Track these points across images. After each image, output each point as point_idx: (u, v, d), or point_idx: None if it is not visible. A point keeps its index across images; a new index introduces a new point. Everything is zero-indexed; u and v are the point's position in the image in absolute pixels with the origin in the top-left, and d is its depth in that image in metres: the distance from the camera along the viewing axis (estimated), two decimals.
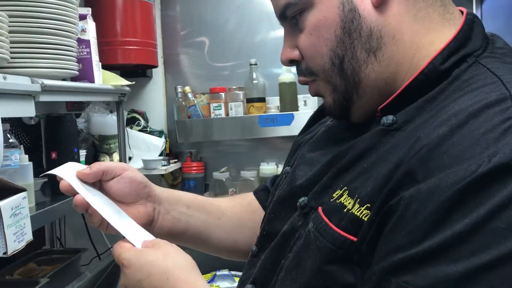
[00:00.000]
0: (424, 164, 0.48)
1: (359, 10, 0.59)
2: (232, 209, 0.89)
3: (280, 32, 2.25)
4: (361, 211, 0.53)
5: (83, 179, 0.71)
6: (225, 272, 1.91)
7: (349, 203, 0.55)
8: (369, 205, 0.52)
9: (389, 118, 0.57)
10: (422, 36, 0.59)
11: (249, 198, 0.93)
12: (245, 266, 0.75)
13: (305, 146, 0.75)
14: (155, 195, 0.78)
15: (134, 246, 0.64)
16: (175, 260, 0.62)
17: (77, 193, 0.68)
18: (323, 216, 0.58)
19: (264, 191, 0.92)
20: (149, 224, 0.77)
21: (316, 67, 0.63)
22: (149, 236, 0.68)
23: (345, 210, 0.55)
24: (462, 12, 0.63)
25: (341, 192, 0.57)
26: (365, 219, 0.52)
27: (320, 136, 0.74)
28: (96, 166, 0.72)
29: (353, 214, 0.54)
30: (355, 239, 0.53)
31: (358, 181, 0.56)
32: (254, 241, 0.87)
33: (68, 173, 0.70)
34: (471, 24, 0.60)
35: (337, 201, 0.57)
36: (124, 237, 0.65)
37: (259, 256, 0.71)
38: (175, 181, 2.31)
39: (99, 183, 0.73)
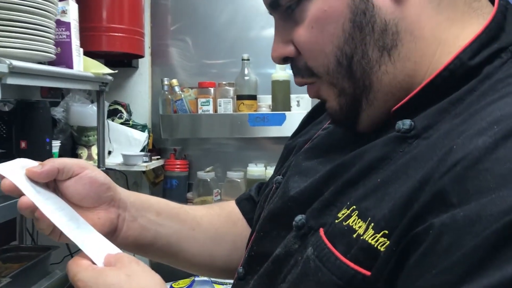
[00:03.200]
0: (459, 184, 0.38)
1: None
2: (210, 219, 0.78)
3: None
4: (376, 238, 0.42)
5: (33, 179, 0.59)
6: (205, 278, 1.80)
7: (359, 227, 0.44)
8: (386, 231, 0.42)
9: (406, 122, 0.47)
10: (445, 30, 0.49)
11: (230, 207, 0.82)
12: None
13: (300, 153, 0.64)
14: (119, 199, 0.66)
15: (93, 262, 0.53)
16: (140, 282, 0.51)
17: (23, 194, 0.57)
18: (326, 241, 0.47)
19: (248, 200, 0.82)
20: (111, 233, 0.65)
21: (318, 68, 0.53)
22: (113, 248, 0.56)
23: (354, 236, 0.44)
24: None
25: (348, 212, 0.46)
26: (382, 249, 0.42)
27: (319, 142, 0.64)
28: (50, 163, 0.60)
29: (366, 242, 0.43)
30: (368, 273, 0.43)
31: (370, 200, 0.45)
32: (232, 256, 0.76)
33: (14, 170, 0.58)
34: (505, 12, 0.50)
35: (344, 223, 0.46)
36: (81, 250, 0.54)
37: (246, 280, 0.61)
38: (156, 179, 2.20)
39: (53, 184, 0.62)
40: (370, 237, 0.43)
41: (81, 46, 1.50)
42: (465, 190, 0.37)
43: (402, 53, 0.49)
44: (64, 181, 0.61)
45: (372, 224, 0.43)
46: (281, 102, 2.05)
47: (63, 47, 1.42)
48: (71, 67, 1.43)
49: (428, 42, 0.49)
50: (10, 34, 1.10)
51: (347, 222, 0.46)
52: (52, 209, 0.57)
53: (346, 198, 0.49)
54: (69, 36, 1.44)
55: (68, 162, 0.62)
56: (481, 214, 0.36)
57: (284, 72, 2.04)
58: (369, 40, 0.49)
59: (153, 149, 2.19)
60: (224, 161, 2.23)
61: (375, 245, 0.42)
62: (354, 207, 0.46)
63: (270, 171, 2.08)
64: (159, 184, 2.23)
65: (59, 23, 1.39)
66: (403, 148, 0.47)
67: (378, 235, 0.42)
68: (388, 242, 0.41)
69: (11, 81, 1.05)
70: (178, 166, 2.16)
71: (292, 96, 2.09)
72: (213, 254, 0.76)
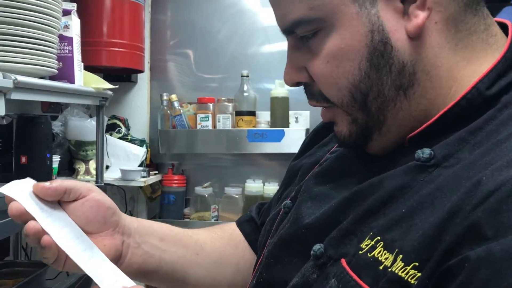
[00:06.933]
0: (494, 216, 0.38)
1: (392, 41, 0.48)
2: (212, 243, 0.76)
3: (275, 46, 2.18)
4: (406, 270, 0.42)
5: (40, 195, 0.57)
6: None
7: (385, 258, 0.44)
8: (417, 263, 0.41)
9: (426, 151, 0.47)
10: (461, 68, 0.50)
11: (231, 229, 0.81)
12: None
13: (311, 178, 0.63)
14: (124, 225, 0.65)
15: None
16: None
17: (31, 218, 0.54)
18: (351, 273, 0.46)
19: (249, 222, 0.81)
20: (115, 261, 0.63)
21: (332, 98, 0.53)
22: (127, 281, 0.55)
23: (381, 268, 0.44)
24: (502, 26, 0.54)
25: (372, 243, 0.46)
26: (413, 282, 0.41)
27: (329, 166, 0.62)
28: (58, 181, 0.59)
29: (395, 274, 0.42)
30: None
31: (395, 231, 0.45)
32: (236, 279, 0.75)
33: (21, 191, 0.56)
34: None
35: (369, 255, 0.45)
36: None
37: None
38: (153, 194, 2.19)
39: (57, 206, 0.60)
40: (399, 270, 0.42)
41: (81, 61, 1.50)
42: (500, 222, 0.37)
43: (417, 92, 0.50)
44: (71, 203, 0.60)
45: (401, 256, 0.42)
46: (280, 118, 2.05)
47: (65, 62, 1.42)
48: (72, 82, 1.42)
49: (444, 80, 0.49)
50: (14, 49, 1.10)
51: (372, 253, 0.45)
52: (64, 236, 0.55)
53: (366, 228, 0.48)
54: (71, 51, 1.43)
55: (76, 183, 0.61)
56: None
57: (283, 89, 2.05)
58: (386, 80, 0.49)
59: (150, 164, 2.18)
60: (222, 177, 2.22)
61: (406, 278, 0.41)
62: (379, 238, 0.45)
63: (268, 187, 2.07)
64: (156, 199, 2.21)
65: (61, 38, 1.39)
66: (423, 177, 0.46)
67: (408, 267, 0.41)
68: (419, 275, 0.41)
69: (15, 96, 1.04)
70: (176, 181, 2.15)
71: (291, 113, 2.09)
72: (217, 279, 0.75)
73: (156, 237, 0.70)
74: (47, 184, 0.57)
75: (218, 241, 0.77)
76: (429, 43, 0.49)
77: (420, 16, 0.47)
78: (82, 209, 0.60)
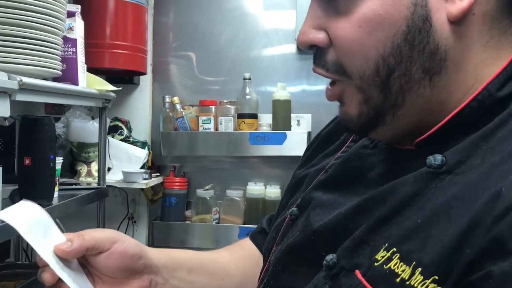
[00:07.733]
0: None
1: (432, 19, 0.46)
2: (236, 265, 0.77)
3: (277, 49, 2.18)
4: (426, 284, 0.40)
5: (62, 256, 0.57)
6: None
7: (402, 271, 0.42)
8: (437, 277, 0.40)
9: (438, 158, 0.46)
10: (486, 67, 0.49)
11: (249, 245, 0.82)
12: None
13: (317, 185, 0.62)
14: (151, 265, 0.66)
15: None
16: None
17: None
18: (368, 286, 0.45)
19: (261, 234, 0.81)
20: None
21: (351, 68, 0.49)
22: None
23: (398, 280, 0.42)
24: None
25: (388, 254, 0.44)
26: None
27: (335, 172, 0.61)
28: (79, 241, 0.58)
29: None
30: None
31: (412, 242, 0.43)
32: None
33: (34, 229, 0.56)
34: None
35: (385, 267, 0.44)
36: None
37: None
38: (155, 196, 2.19)
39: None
40: (419, 283, 0.41)
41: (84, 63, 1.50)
42: None
43: (442, 81, 0.48)
44: (95, 257, 0.61)
45: (420, 269, 0.41)
46: (282, 121, 2.05)
47: (69, 63, 1.42)
48: (76, 83, 1.42)
49: (468, 76, 0.48)
50: (19, 51, 1.10)
51: (388, 265, 0.44)
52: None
53: (379, 237, 0.46)
54: (75, 53, 1.44)
55: (98, 237, 0.60)
56: None
57: (285, 92, 2.05)
58: (416, 59, 0.47)
59: (152, 166, 2.18)
60: (224, 180, 2.22)
61: None
62: (395, 249, 0.44)
63: (270, 190, 2.07)
64: (158, 201, 2.21)
65: (65, 39, 1.39)
66: (435, 184, 0.45)
67: (428, 281, 0.40)
68: None
69: (20, 97, 1.04)
70: (177, 183, 2.15)
71: (293, 116, 2.09)
72: None
73: (185, 269, 0.71)
74: (68, 247, 0.57)
75: (240, 261, 0.78)
76: (465, 33, 0.47)
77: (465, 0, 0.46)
78: (106, 263, 0.61)
